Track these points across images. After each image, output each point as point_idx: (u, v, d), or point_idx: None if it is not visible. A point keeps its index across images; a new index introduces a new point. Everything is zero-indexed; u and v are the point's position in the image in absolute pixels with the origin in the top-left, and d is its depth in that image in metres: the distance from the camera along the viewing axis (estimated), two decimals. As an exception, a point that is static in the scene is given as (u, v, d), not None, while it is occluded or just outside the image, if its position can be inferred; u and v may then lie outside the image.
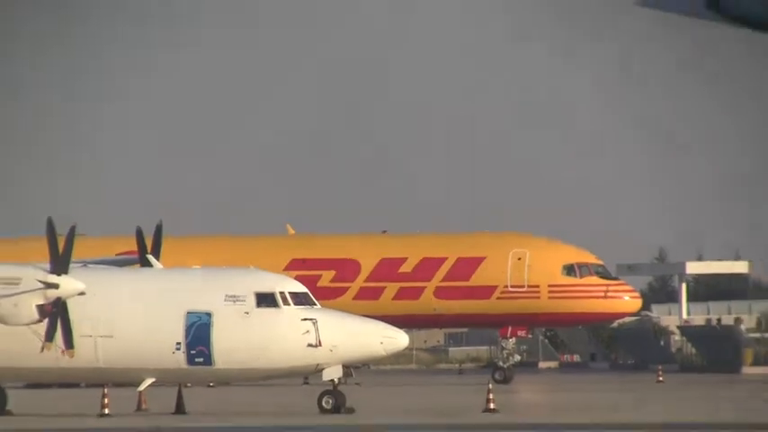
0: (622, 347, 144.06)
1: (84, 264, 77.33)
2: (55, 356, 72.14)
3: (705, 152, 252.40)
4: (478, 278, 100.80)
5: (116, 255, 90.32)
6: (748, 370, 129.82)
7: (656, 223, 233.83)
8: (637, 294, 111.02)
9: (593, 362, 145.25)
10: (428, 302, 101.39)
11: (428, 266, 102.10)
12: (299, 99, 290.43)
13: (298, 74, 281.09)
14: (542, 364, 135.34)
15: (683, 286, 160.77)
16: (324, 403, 68.67)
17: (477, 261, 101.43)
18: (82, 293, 71.46)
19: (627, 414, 67.40)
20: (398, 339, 70.99)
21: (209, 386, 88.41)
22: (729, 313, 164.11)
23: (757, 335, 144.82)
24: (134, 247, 79.09)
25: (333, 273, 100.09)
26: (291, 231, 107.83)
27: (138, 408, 71.99)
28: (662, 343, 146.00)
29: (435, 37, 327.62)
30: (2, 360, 74.40)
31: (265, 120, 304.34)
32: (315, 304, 70.96)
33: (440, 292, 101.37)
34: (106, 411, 68.37)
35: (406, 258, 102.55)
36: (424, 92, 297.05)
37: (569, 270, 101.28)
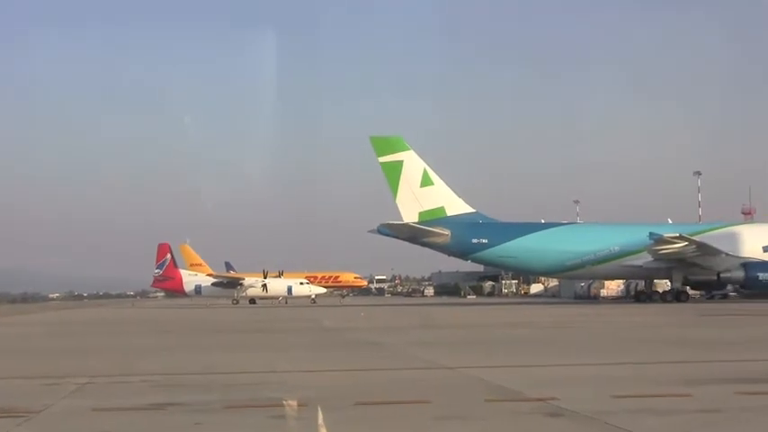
0: (363, 292, 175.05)
1: (267, 276, 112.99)
2: (264, 293, 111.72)
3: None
4: (340, 279, 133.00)
5: (268, 276, 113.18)
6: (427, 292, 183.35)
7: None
8: (364, 280, 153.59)
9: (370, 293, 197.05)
10: (327, 283, 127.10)
11: (330, 278, 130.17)
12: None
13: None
14: (350, 295, 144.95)
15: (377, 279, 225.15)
16: (311, 302, 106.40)
17: (338, 275, 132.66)
18: (267, 283, 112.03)
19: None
20: (324, 291, 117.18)
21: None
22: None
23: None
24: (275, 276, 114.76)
25: (313, 279, 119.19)
26: (305, 272, 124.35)
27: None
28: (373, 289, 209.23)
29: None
30: (256, 295, 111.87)
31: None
32: (311, 284, 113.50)
33: (332, 282, 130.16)
34: (283, 302, 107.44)
35: (325, 276, 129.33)
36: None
37: (355, 277, 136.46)
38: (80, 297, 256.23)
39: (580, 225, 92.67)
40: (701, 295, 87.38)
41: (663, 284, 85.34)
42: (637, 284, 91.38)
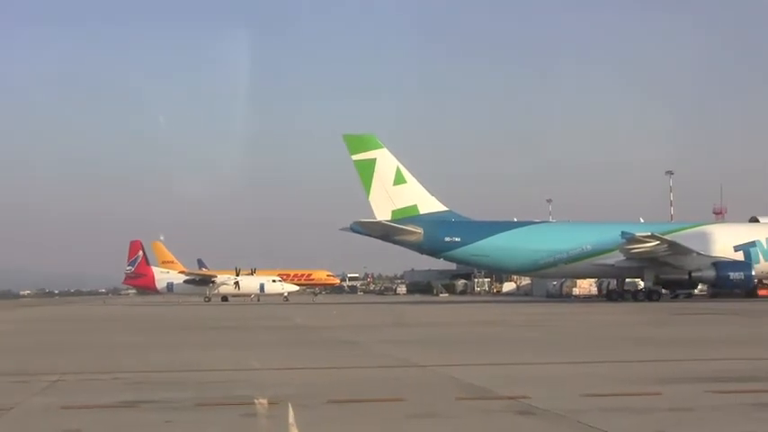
0: (336, 290, 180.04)
1: (239, 274, 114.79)
2: (237, 291, 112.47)
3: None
4: (313, 276, 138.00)
5: (240, 274, 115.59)
6: (400, 290, 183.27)
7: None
8: (336, 278, 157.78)
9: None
10: (300, 280, 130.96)
11: (302, 275, 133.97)
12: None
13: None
14: (323, 293, 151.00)
15: (349, 276, 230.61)
16: (284, 299, 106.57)
17: (311, 273, 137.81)
18: (239, 281, 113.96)
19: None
20: (297, 288, 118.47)
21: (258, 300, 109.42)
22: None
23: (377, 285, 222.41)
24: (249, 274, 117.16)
25: (285, 276, 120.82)
26: (277, 270, 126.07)
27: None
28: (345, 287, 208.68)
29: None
30: (228, 292, 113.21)
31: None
32: (283, 282, 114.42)
33: (305, 280, 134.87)
34: (255, 300, 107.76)
35: (298, 274, 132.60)
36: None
37: (328, 275, 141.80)
38: (51, 294, 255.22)
39: (553, 224, 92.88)
40: (666, 294, 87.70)
41: (639, 283, 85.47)
42: (609, 283, 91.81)
